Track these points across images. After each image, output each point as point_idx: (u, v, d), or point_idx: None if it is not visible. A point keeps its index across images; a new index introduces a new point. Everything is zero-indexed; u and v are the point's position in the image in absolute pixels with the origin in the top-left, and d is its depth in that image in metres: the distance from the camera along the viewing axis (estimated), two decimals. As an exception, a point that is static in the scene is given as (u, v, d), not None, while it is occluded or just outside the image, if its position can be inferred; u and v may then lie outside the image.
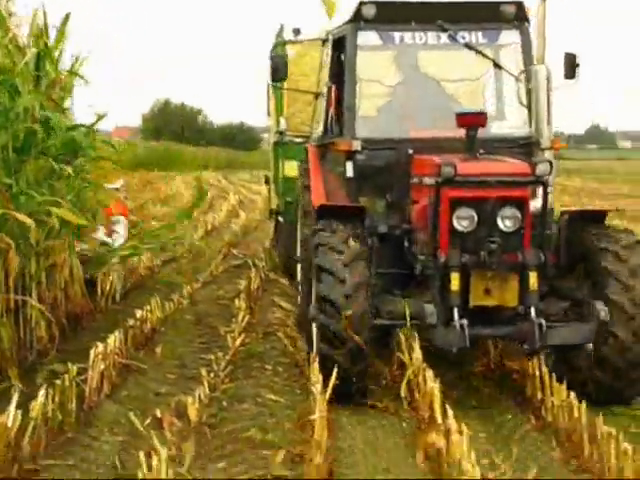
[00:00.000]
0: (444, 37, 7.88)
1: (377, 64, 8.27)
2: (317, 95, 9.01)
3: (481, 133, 7.27)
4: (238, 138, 76.76)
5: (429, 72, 8.30)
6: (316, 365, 6.64)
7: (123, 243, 11.24)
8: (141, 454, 5.24)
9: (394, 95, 8.26)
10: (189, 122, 74.83)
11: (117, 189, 12.27)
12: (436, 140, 7.62)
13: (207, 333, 9.38)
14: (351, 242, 6.82)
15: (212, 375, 7.41)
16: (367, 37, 7.83)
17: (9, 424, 5.11)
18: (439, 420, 5.64)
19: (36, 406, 5.56)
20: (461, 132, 7.27)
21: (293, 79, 11.00)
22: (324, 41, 8.75)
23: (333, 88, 8.15)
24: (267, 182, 15.72)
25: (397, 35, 7.85)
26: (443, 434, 5.42)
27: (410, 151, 7.48)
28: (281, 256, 13.06)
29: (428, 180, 7.06)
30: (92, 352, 6.95)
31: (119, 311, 10.01)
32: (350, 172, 7.70)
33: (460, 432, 5.15)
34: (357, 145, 7.62)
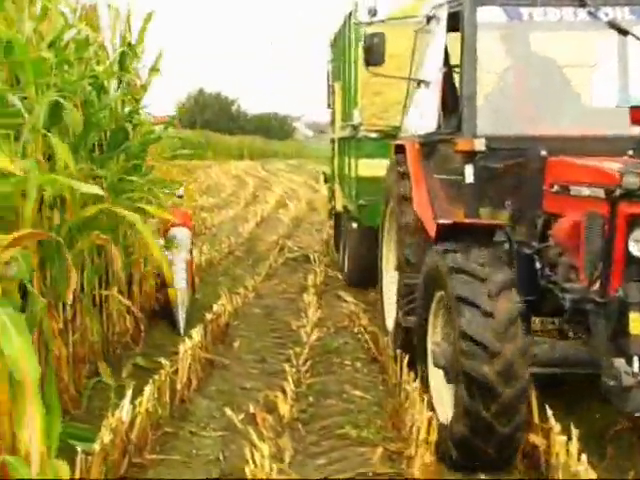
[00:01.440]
0: (583, 14, 6.57)
1: (500, 46, 7.14)
2: (419, 82, 7.41)
3: (625, 131, 6.15)
4: (272, 127, 76.92)
5: (561, 57, 7.05)
6: (405, 361, 6.67)
7: (185, 260, 9.49)
8: (246, 450, 5.36)
9: (520, 84, 7.00)
10: (224, 111, 74.98)
11: (180, 196, 11.03)
12: (575, 139, 6.35)
13: (279, 328, 9.48)
14: (496, 266, 5.51)
15: (294, 370, 7.51)
16: (489, 13, 6.56)
17: (124, 419, 5.22)
18: (536, 420, 5.68)
19: (143, 401, 5.67)
20: (602, 130, 6.34)
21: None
22: (429, 18, 7.32)
23: (443, 75, 6.89)
24: (326, 181, 15.14)
25: (525, 11, 6.58)
26: (542, 434, 5.47)
27: (543, 152, 6.21)
28: (351, 264, 11.58)
29: (590, 191, 5.68)
30: (181, 347, 7.08)
31: (191, 304, 10.13)
32: (470, 177, 6.33)
33: (566, 434, 5.20)
34: (481, 145, 6.27)
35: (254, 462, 5.24)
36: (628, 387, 5.03)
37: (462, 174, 6.37)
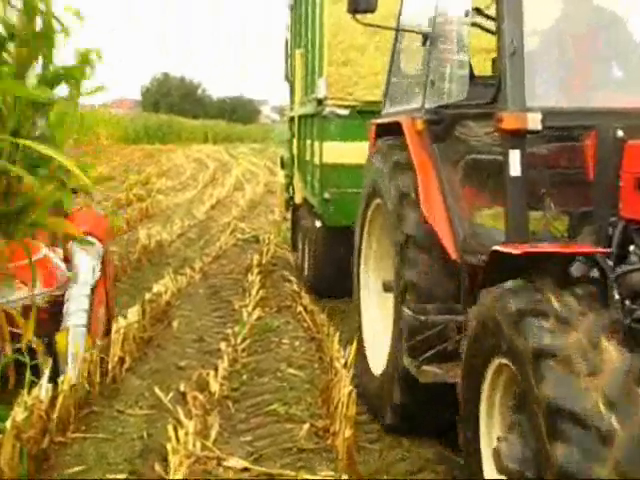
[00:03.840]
0: None
1: None
2: (425, 37, 5.62)
3: None
4: (237, 111, 76.71)
5: (620, 9, 5.35)
6: (337, 338, 6.69)
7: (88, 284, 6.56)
8: (169, 427, 5.35)
9: (582, 42, 5.25)
10: (188, 95, 74.65)
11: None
12: None
13: (222, 307, 9.45)
14: (605, 346, 3.47)
15: (231, 349, 7.48)
16: None
17: (42, 397, 5.17)
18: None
19: (65, 379, 5.62)
20: None
21: (341, 21, 8.36)
22: None
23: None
24: (283, 166, 12.91)
25: None
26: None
27: (619, 133, 4.43)
28: (312, 268, 9.85)
29: None
30: (114, 326, 7.02)
31: (134, 284, 10.08)
32: (516, 168, 4.44)
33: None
34: (536, 121, 4.40)
35: (177, 439, 5.23)
36: None
37: (500, 164, 4.56)
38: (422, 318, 5.22)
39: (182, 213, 17.34)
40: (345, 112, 8.64)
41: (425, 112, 5.50)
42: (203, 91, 78.75)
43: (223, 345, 7.51)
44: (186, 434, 5.31)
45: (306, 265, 10.29)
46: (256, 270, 10.74)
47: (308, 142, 9.91)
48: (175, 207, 18.77)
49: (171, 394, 6.35)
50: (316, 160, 9.14)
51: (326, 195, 8.78)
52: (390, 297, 5.86)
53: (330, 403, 5.99)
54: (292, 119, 11.93)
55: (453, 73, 5.25)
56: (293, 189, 11.56)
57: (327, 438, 5.64)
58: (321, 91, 8.77)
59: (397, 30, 6.21)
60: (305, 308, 8.92)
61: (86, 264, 6.53)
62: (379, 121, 6.37)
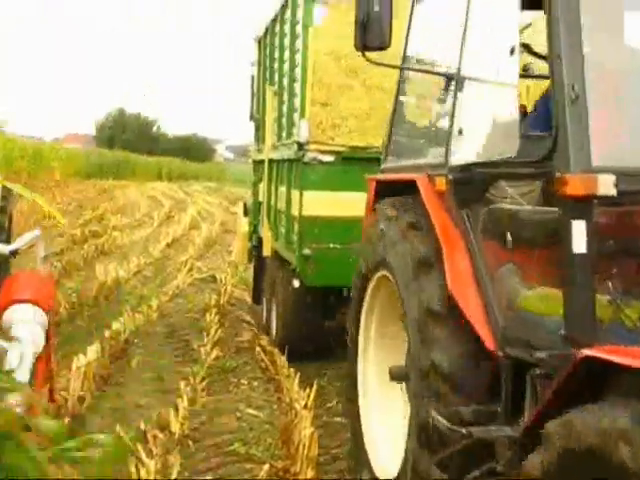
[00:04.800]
0: None
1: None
2: (448, 79, 4.66)
3: None
4: (191, 149, 76.68)
5: None
6: (297, 381, 6.78)
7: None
8: (131, 467, 5.39)
9: None
10: (144, 132, 74.57)
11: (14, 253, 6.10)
12: None
13: (180, 347, 9.49)
14: None
15: (190, 389, 7.53)
16: None
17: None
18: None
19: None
20: None
21: (322, 58, 8.01)
22: None
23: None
24: (246, 213, 12.04)
25: None
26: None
27: None
28: (284, 330, 8.79)
29: None
30: (74, 364, 7.05)
31: (92, 321, 10.10)
32: (581, 243, 3.62)
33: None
34: (609, 185, 3.56)
35: (139, 478, 5.28)
36: None
37: (553, 236, 3.81)
38: (459, 430, 4.02)
39: (138, 251, 17.34)
40: (329, 158, 7.92)
41: (449, 169, 4.50)
42: (158, 128, 78.75)
43: (182, 384, 7.55)
44: (147, 473, 5.36)
45: (275, 324, 9.24)
46: (214, 310, 10.80)
47: (282, 189, 9.02)
48: (131, 244, 18.76)
49: (131, 433, 6.38)
50: (294, 211, 8.26)
51: (306, 251, 7.92)
52: (399, 387, 5.04)
53: (290, 444, 6.07)
54: (259, 162, 11.07)
55: (496, 123, 4.29)
56: (258, 239, 10.78)
57: (287, 479, 5.72)
58: (302, 134, 7.97)
59: (415, 71, 5.19)
60: (263, 349, 9.00)
61: (28, 336, 5.07)
62: (381, 177, 5.48)
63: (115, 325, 8.94)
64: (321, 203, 7.84)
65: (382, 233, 4.95)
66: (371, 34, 4.45)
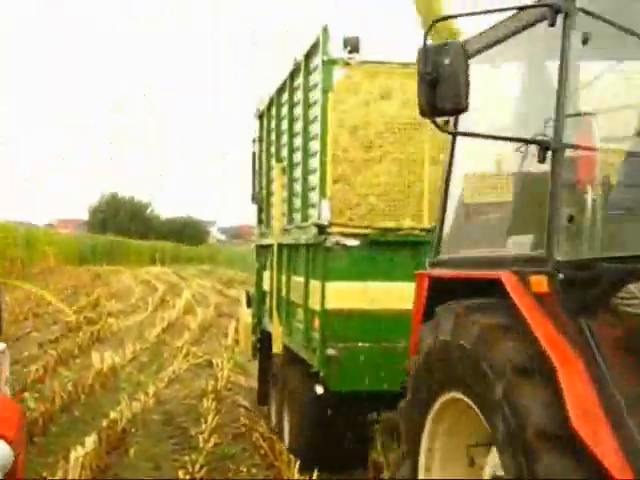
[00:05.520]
0: None
1: None
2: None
3: None
4: (185, 232, 77.03)
5: None
6: (297, 468, 6.71)
7: None
8: None
9: None
10: (137, 215, 74.90)
11: None
12: None
13: (177, 434, 9.42)
14: None
15: (189, 477, 7.45)
16: None
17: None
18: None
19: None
20: None
21: (341, 128, 7.30)
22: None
23: None
24: (250, 304, 10.83)
25: None
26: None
27: None
28: (301, 440, 7.66)
29: None
30: (72, 455, 7.00)
31: (88, 410, 10.04)
32: None
33: None
34: None
35: None
36: None
37: None
38: None
39: (134, 336, 17.30)
40: (355, 242, 6.96)
41: (555, 265, 3.59)
42: (152, 211, 79.19)
43: (181, 473, 7.48)
44: None
45: (288, 429, 8.19)
46: (211, 396, 10.74)
47: (297, 279, 7.91)
48: (126, 330, 18.72)
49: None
50: (314, 304, 7.21)
51: (330, 351, 6.87)
52: None
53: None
54: (263, 247, 10.20)
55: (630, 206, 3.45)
56: (263, 332, 9.89)
57: None
58: (323, 215, 6.97)
59: (495, 139, 4.04)
60: (262, 435, 8.93)
61: None
62: (436, 273, 4.51)
63: (112, 414, 8.88)
64: (347, 295, 6.84)
65: (443, 343, 3.98)
66: (442, 94, 3.66)
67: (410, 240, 6.83)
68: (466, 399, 3.80)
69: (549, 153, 3.62)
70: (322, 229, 7.01)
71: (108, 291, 29.38)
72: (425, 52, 3.65)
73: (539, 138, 3.73)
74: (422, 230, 6.91)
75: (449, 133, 4.13)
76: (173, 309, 23.04)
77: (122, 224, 70.00)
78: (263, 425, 9.41)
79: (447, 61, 3.62)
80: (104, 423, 8.43)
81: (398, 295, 6.37)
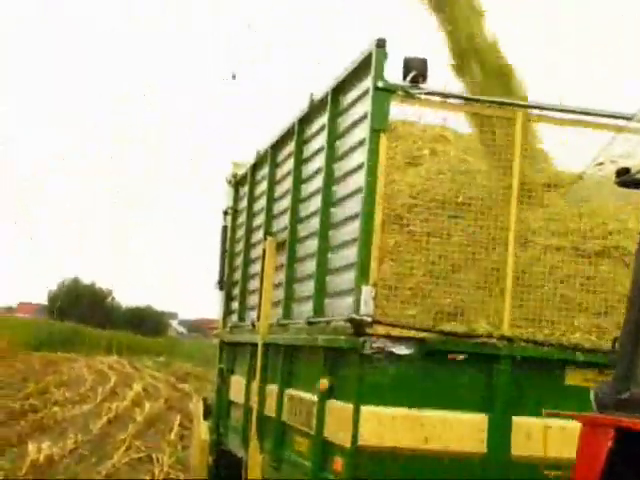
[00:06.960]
0: None
1: None
2: None
3: None
4: (145, 322, 76.37)
5: None
6: None
7: None
8: None
9: None
10: (97, 303, 74.34)
11: None
12: None
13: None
14: None
15: None
16: None
17: None
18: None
19: None
20: None
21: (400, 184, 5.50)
22: None
23: None
24: (207, 414, 8.76)
25: None
26: None
27: None
28: None
29: None
30: None
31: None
32: None
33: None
34: None
35: None
36: None
37: None
38: None
39: (78, 427, 17.00)
40: (407, 351, 4.96)
41: None
42: (112, 299, 78.58)
43: None
44: None
45: None
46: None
47: (300, 395, 5.94)
48: (71, 419, 18.40)
49: None
50: (335, 436, 5.18)
51: None
52: None
53: None
54: (232, 345, 8.32)
55: None
56: (222, 453, 8.03)
57: None
58: (363, 307, 4.93)
59: None
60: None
61: None
62: (631, 422, 3.11)
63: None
64: (391, 426, 4.84)
65: None
66: None
67: (485, 353, 4.89)
68: None
69: None
70: (360, 327, 4.95)
71: (59, 379, 28.94)
72: None
73: None
74: (502, 338, 5.03)
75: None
76: (122, 401, 22.71)
77: (82, 311, 69.40)
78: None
79: None
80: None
81: (466, 430, 4.69)
